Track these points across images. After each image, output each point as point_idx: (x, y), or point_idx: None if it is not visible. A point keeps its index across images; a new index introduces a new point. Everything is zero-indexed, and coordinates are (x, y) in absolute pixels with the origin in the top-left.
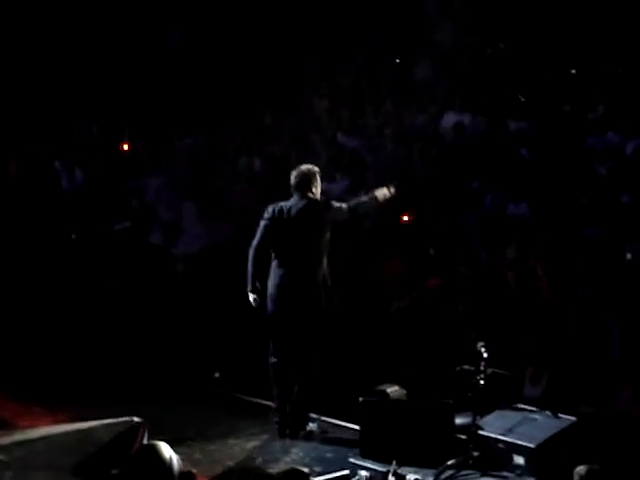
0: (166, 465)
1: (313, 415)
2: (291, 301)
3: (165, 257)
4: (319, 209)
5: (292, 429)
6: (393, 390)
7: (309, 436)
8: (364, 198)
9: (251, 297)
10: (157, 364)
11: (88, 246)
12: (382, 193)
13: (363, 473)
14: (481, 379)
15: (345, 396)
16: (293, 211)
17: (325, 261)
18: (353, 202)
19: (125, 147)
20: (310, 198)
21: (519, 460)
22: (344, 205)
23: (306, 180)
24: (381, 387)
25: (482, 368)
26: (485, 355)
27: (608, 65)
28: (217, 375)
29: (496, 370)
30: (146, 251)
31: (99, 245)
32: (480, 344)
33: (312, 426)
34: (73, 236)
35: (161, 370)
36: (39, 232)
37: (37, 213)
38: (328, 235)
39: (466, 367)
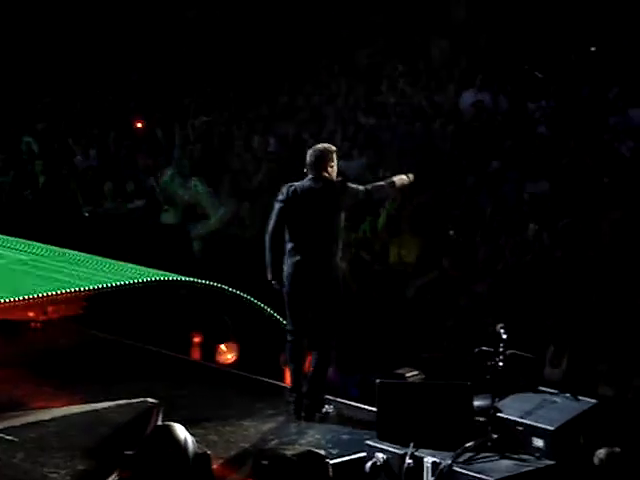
0: (181, 446)
1: (329, 397)
2: (308, 282)
3: (181, 237)
4: (335, 190)
5: (308, 411)
6: (411, 374)
7: (325, 418)
8: (381, 183)
9: (273, 283)
10: (172, 344)
11: (100, 224)
12: (400, 179)
13: (380, 455)
14: (500, 361)
15: (364, 378)
16: (308, 192)
17: (340, 242)
18: (370, 186)
19: (139, 125)
20: (326, 178)
21: (538, 443)
22: (361, 188)
23: (322, 159)
24: (399, 371)
25: (501, 349)
26: (504, 336)
27: (627, 42)
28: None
29: (516, 352)
30: (160, 231)
31: (112, 223)
32: (499, 325)
33: (328, 408)
34: (85, 214)
35: (175, 350)
36: (53, 209)
37: (51, 191)
38: (344, 216)
39: (485, 348)
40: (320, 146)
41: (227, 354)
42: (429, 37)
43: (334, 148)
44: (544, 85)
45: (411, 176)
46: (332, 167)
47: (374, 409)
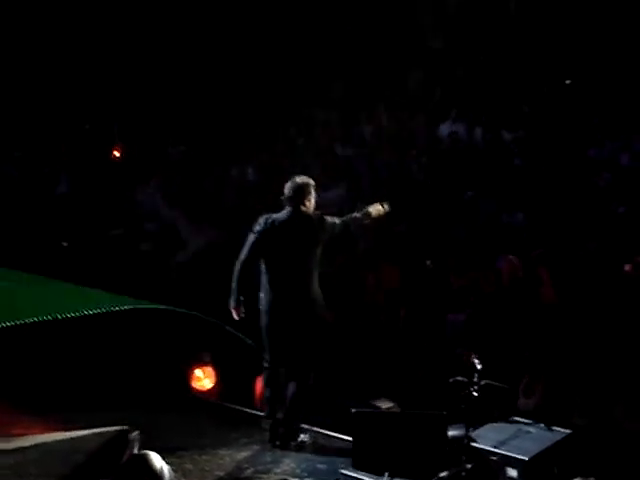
0: (157, 475)
1: (304, 426)
2: (284, 316)
3: (158, 264)
4: (312, 224)
5: (283, 439)
6: (386, 406)
7: (300, 447)
8: (357, 214)
9: (234, 312)
10: (149, 372)
11: (80, 253)
12: (375, 210)
13: None
14: (474, 390)
15: (337, 407)
16: (285, 224)
17: (317, 275)
18: (346, 217)
19: (116, 154)
20: (303, 211)
21: (512, 473)
22: (337, 220)
23: (300, 192)
24: (374, 402)
25: (476, 379)
26: (479, 367)
27: (602, 75)
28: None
29: (490, 382)
30: (139, 258)
31: (91, 252)
32: (474, 355)
33: (303, 437)
34: (64, 244)
35: (152, 378)
36: (31, 239)
37: (28, 220)
38: (320, 250)
39: (459, 378)
40: (299, 179)
41: (203, 380)
42: (405, 67)
43: (312, 182)
44: (520, 117)
45: (386, 205)
46: (310, 200)
47: (349, 438)
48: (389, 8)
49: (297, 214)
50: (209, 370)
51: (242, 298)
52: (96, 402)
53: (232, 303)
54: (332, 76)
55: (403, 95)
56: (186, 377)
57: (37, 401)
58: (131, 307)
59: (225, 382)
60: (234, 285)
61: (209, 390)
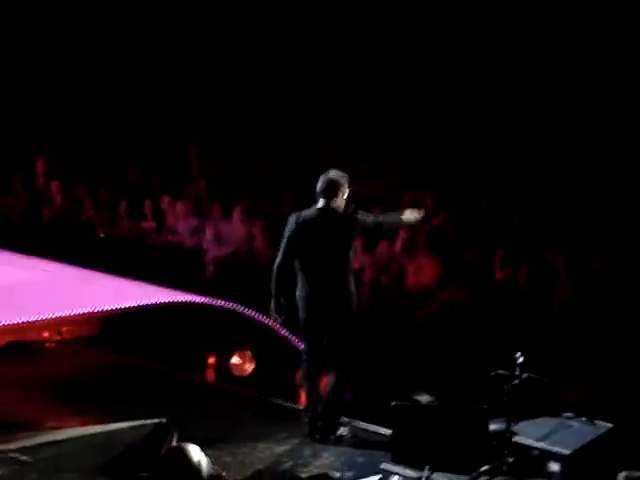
0: (195, 467)
1: (344, 419)
2: (320, 312)
3: (194, 259)
4: (343, 220)
5: (322, 433)
6: (426, 400)
7: (340, 440)
8: (393, 216)
9: (275, 316)
10: (187, 365)
11: (116, 245)
12: (410, 216)
13: (395, 478)
14: (516, 384)
15: (378, 401)
16: (315, 221)
17: (350, 271)
18: (381, 218)
19: None
20: (333, 208)
21: (554, 467)
22: (371, 218)
23: (331, 187)
24: (413, 396)
25: (517, 373)
26: (520, 360)
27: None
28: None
29: (532, 375)
30: (173, 252)
31: (127, 244)
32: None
33: (343, 430)
34: (102, 235)
35: (190, 370)
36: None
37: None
38: (354, 244)
39: (501, 372)
40: (331, 173)
41: (243, 365)
42: None
43: (345, 176)
44: None
45: (422, 211)
46: (341, 195)
47: (389, 432)
48: None
49: (327, 210)
50: (248, 354)
51: (282, 301)
52: (133, 395)
53: (273, 307)
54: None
55: None
56: (226, 366)
57: (72, 394)
58: (174, 299)
59: (265, 375)
60: (273, 290)
61: (250, 374)
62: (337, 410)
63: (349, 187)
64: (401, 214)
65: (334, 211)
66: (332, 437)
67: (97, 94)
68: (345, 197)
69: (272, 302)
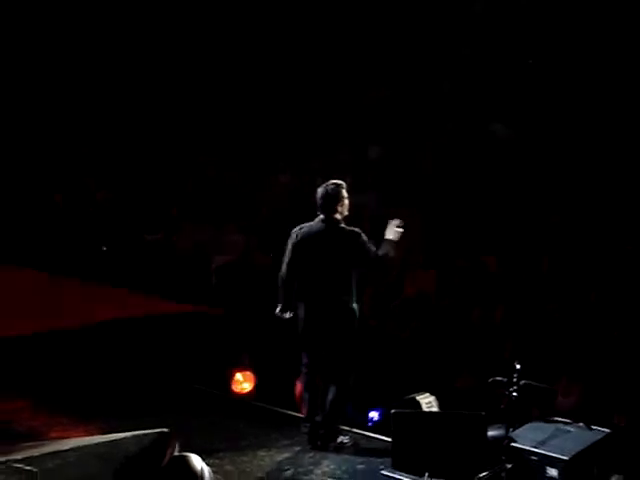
0: (197, 476)
1: (344, 428)
2: (317, 326)
3: (197, 268)
4: (344, 237)
5: (323, 440)
6: (424, 398)
7: (340, 448)
8: (383, 250)
9: (280, 315)
10: (186, 375)
11: (119, 257)
12: (393, 233)
13: None
14: (514, 390)
15: (376, 408)
16: (316, 236)
17: (353, 286)
18: (382, 251)
19: None
20: (335, 221)
21: (552, 472)
22: (373, 250)
23: (330, 200)
24: (412, 395)
25: (515, 379)
26: (518, 366)
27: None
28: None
29: (529, 381)
30: (178, 262)
31: (130, 256)
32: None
33: (343, 438)
34: (104, 248)
35: (190, 381)
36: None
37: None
38: (355, 262)
39: (498, 378)
40: (330, 184)
41: (243, 383)
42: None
43: (344, 186)
44: None
45: (399, 222)
46: (342, 206)
47: (389, 439)
48: None
49: (328, 224)
50: (248, 374)
51: (287, 304)
52: (135, 405)
53: (278, 310)
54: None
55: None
56: (226, 380)
57: (75, 405)
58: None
59: (264, 384)
60: (280, 296)
61: (248, 393)
62: (338, 420)
63: (347, 196)
64: (387, 242)
65: (335, 225)
66: (332, 445)
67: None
68: (346, 206)
69: (279, 306)
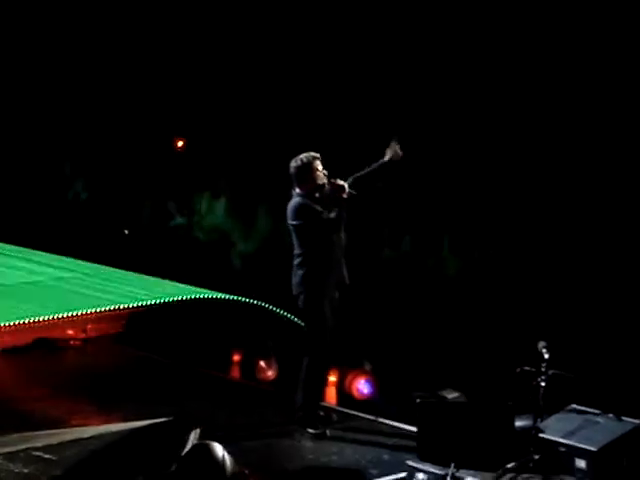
0: (219, 464)
1: (334, 415)
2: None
3: (221, 254)
4: (294, 207)
5: (301, 424)
6: (453, 396)
7: (321, 437)
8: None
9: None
10: (212, 363)
11: (141, 241)
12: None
13: (421, 476)
14: (542, 380)
15: (404, 398)
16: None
17: (305, 260)
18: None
19: (180, 144)
20: (293, 195)
21: (581, 464)
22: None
23: (294, 176)
24: (440, 392)
25: (543, 369)
26: (546, 356)
27: None
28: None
29: (558, 371)
30: (201, 247)
31: (152, 240)
32: (541, 344)
33: (321, 429)
34: (126, 232)
35: (212, 369)
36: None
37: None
38: (305, 234)
39: (527, 368)
40: (296, 159)
41: (267, 371)
42: None
43: (312, 155)
44: None
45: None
46: (314, 177)
47: (415, 429)
48: None
49: (293, 197)
50: (272, 362)
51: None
52: (157, 392)
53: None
54: None
55: None
56: (251, 367)
57: (97, 393)
58: (199, 296)
59: (288, 371)
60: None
61: (272, 380)
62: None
63: (315, 167)
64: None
65: (295, 195)
66: (311, 432)
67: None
68: (320, 176)
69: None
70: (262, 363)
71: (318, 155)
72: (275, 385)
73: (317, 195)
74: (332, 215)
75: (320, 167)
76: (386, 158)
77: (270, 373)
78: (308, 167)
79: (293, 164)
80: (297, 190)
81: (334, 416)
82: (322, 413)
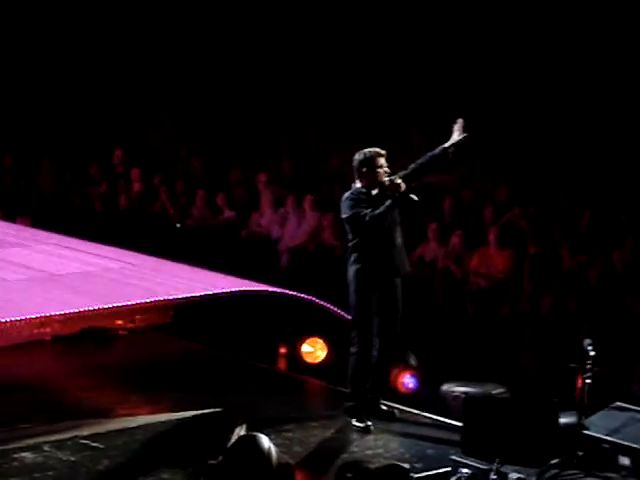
0: (265, 456)
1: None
2: None
3: (269, 249)
4: (343, 200)
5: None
6: (497, 392)
7: (366, 431)
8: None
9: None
10: (259, 355)
11: (192, 235)
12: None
13: (465, 471)
14: (587, 377)
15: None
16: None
17: (355, 254)
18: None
19: None
20: (354, 187)
21: (625, 461)
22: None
23: (355, 169)
24: (484, 387)
25: (588, 366)
26: (592, 353)
27: None
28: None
29: (603, 368)
30: (250, 242)
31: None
32: (587, 342)
33: (366, 422)
34: (177, 225)
35: (260, 360)
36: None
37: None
38: (351, 226)
39: (572, 365)
40: (361, 152)
41: (314, 353)
42: None
43: (371, 151)
44: None
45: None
46: (374, 173)
47: (459, 424)
48: None
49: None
50: (320, 342)
51: None
52: (204, 383)
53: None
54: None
55: None
56: (296, 355)
57: (144, 382)
58: (247, 289)
59: (337, 365)
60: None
61: (323, 361)
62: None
63: (376, 164)
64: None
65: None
66: (356, 425)
67: (178, 86)
68: (377, 175)
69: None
70: (307, 346)
71: (383, 152)
72: (322, 376)
73: (375, 192)
74: (376, 212)
75: (383, 164)
76: (453, 141)
77: (318, 354)
78: (369, 162)
79: (356, 157)
80: (356, 183)
81: (396, 412)
82: (385, 408)
